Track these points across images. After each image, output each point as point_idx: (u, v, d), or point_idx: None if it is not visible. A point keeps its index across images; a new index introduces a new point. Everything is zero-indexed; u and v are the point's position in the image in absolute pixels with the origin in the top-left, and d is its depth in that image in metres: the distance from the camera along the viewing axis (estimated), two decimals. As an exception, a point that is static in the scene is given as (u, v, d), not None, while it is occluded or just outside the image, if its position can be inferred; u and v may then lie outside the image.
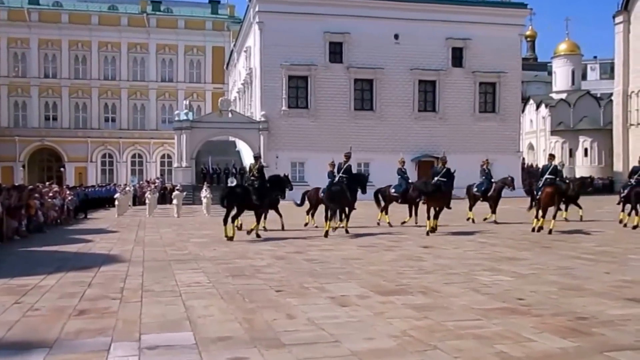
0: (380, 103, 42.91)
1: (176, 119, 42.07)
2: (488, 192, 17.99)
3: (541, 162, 51.83)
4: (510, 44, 44.53)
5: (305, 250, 11.12)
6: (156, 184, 40.61)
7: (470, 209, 18.39)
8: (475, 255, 10.23)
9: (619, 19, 51.10)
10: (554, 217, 14.18)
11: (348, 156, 14.91)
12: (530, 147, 62.69)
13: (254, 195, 13.53)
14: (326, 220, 14.16)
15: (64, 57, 56.65)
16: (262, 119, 40.72)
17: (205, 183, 31.08)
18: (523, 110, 56.92)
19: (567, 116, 58.62)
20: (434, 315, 5.44)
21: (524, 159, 52.36)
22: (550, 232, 13.57)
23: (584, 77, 66.28)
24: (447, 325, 5.06)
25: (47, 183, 25.03)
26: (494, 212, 17.74)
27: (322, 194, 15.21)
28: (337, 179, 14.47)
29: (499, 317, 5.36)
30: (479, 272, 8.11)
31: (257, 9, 41.48)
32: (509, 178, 18.47)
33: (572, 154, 57.27)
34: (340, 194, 14.37)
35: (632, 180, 15.57)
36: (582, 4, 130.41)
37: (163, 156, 57.75)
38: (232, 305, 6.04)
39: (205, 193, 26.45)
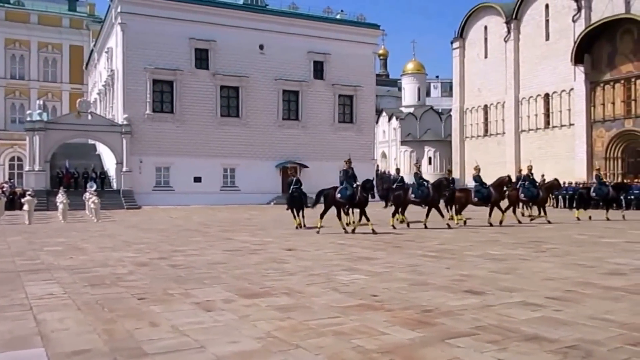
0: (246, 110, 43.16)
1: (28, 119, 39.03)
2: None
3: (393, 169, 55.93)
4: (365, 61, 47.43)
5: (170, 256, 10.90)
6: (4, 188, 37.27)
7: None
8: (335, 256, 10.68)
9: (455, 44, 56.70)
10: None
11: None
12: (384, 155, 66.94)
13: (339, 193, 15.85)
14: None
15: None
16: (125, 122, 39.12)
17: (61, 187, 29.25)
18: (377, 122, 60.96)
19: (414, 128, 63.65)
20: (296, 315, 5.61)
21: (377, 166, 55.57)
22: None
23: (428, 94, 72.52)
24: (309, 324, 5.25)
25: None
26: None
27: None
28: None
29: (356, 313, 5.67)
30: (338, 272, 8.49)
31: (119, 10, 39.85)
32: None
33: (418, 162, 61.89)
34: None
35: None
36: (426, 29, 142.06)
37: (12, 158, 53.27)
38: (90, 316, 5.76)
39: (61, 198, 24.81)
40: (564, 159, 43.95)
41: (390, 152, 66.42)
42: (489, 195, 18.29)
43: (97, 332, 5.12)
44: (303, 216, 18.22)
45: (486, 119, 53.87)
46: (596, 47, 43.03)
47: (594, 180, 22.65)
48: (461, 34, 56.24)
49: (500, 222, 18.20)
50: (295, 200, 18.12)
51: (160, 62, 40.15)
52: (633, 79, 41.17)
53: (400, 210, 18.10)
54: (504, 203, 19.61)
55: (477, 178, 18.97)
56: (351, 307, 6.00)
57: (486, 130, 53.84)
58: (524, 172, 21.01)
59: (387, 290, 6.93)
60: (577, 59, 43.11)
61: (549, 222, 19.30)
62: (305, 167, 42.83)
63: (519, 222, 18.43)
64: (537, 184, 20.57)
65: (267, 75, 43.57)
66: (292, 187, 18.51)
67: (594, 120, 43.70)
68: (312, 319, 5.46)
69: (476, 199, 18.53)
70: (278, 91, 44.30)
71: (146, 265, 9.73)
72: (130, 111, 39.41)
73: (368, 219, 15.49)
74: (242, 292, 6.98)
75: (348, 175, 15.99)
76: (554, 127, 47.12)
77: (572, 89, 45.09)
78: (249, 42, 42.76)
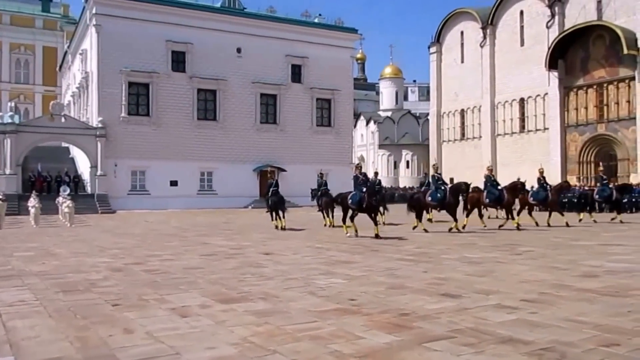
0: (224, 114, 42.94)
1: (-1, 121, 38.33)
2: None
3: (371, 172, 56.20)
4: (343, 65, 47.66)
5: (145, 261, 10.78)
6: (-26, 193, 36.51)
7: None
8: (312, 260, 10.68)
9: (432, 49, 57.31)
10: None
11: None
12: (362, 159, 67.20)
13: (350, 199, 15.57)
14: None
15: None
16: (100, 125, 38.61)
17: (34, 191, 28.71)
18: (355, 126, 61.19)
19: (392, 132, 64.10)
20: (273, 320, 5.58)
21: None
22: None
23: (405, 98, 73.32)
24: (286, 329, 5.23)
25: None
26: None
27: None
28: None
29: (333, 317, 5.67)
30: (315, 276, 8.47)
31: (94, 11, 39.37)
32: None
33: (396, 165, 62.38)
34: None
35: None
36: (404, 34, 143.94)
37: (-17, 162, 52.12)
38: (62, 323, 5.65)
39: (33, 202, 24.33)
40: (539, 162, 44.57)
41: (368, 155, 66.77)
42: (501, 197, 17.62)
43: (70, 339, 5.02)
44: (283, 217, 19.06)
45: (463, 123, 54.49)
46: (570, 52, 43.82)
47: (597, 182, 22.58)
48: (438, 39, 56.86)
49: (518, 227, 17.31)
50: (277, 203, 19.12)
51: (136, 64, 39.74)
52: (605, 84, 42.00)
53: (418, 214, 17.39)
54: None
55: (487, 178, 18.22)
56: (328, 311, 5.99)
57: (463, 134, 54.44)
58: (537, 174, 20.45)
59: (365, 294, 6.93)
60: (551, 64, 43.85)
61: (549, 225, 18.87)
62: (283, 170, 42.77)
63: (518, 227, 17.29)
64: (548, 187, 20.01)
65: (245, 79, 43.43)
66: (271, 189, 19.52)
67: (567, 124, 44.47)
68: (289, 324, 5.44)
69: (487, 200, 17.93)
70: (256, 94, 44.17)
71: (121, 270, 9.60)
72: (105, 114, 38.92)
73: (376, 224, 15.17)
74: (219, 297, 6.93)
75: (358, 181, 15.52)
76: (529, 131, 47.83)
77: (546, 94, 45.83)
78: (226, 45, 42.60)
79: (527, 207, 20.25)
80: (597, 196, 21.66)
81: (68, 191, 28.77)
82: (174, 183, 40.69)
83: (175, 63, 41.47)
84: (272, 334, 5.08)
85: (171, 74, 41.13)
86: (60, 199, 27.09)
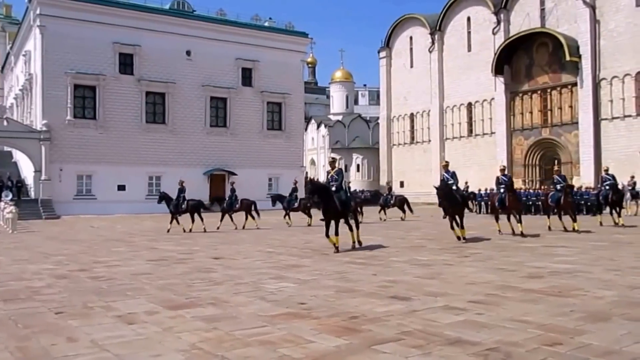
0: (173, 117, 42.34)
1: None
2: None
3: (322, 176, 56.55)
4: (293, 68, 47.82)
5: (91, 268, 10.49)
6: None
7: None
8: (263, 264, 10.63)
9: (382, 54, 58.03)
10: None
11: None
12: (312, 162, 67.53)
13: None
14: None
15: None
16: (44, 129, 37.41)
17: (-28, 198, 27.63)
18: (306, 129, 61.40)
19: (342, 136, 64.69)
20: (222, 326, 5.53)
21: (306, 173, 56.02)
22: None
23: (356, 102, 74.08)
24: (235, 335, 5.19)
25: None
26: None
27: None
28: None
29: (283, 322, 5.65)
30: (265, 281, 8.44)
31: (38, 12, 38.16)
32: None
33: (347, 169, 62.91)
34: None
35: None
36: (354, 38, 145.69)
37: None
38: (2, 333, 5.47)
39: (-29, 210, 23.41)
40: (487, 166, 45.63)
41: (319, 159, 67.05)
42: (503, 200, 15.89)
43: (10, 349, 4.87)
44: (195, 220, 21.45)
45: (412, 127, 55.29)
46: (515, 58, 45.11)
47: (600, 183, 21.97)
48: (387, 44, 57.54)
49: (521, 233, 15.53)
50: (197, 206, 21.75)
51: (82, 66, 38.72)
52: (549, 90, 43.40)
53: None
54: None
55: (496, 180, 16.52)
56: (278, 315, 5.98)
57: (412, 138, 55.26)
58: (555, 175, 18.95)
59: (315, 298, 6.95)
60: (497, 70, 45.02)
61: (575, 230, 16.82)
62: (234, 174, 42.44)
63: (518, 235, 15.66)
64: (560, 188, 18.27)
65: (195, 82, 42.95)
66: (182, 194, 21.90)
67: (513, 128, 45.74)
68: (239, 329, 5.40)
69: (497, 204, 16.20)
70: (206, 98, 43.73)
71: (65, 277, 9.32)
72: (50, 117, 37.75)
73: (350, 229, 13.04)
74: (167, 303, 6.82)
75: (328, 177, 13.26)
76: (476, 135, 48.96)
77: (493, 99, 47.01)
78: (175, 48, 42.02)
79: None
80: (601, 198, 21.44)
81: (10, 196, 27.87)
82: (121, 187, 39.81)
83: (123, 66, 40.62)
84: (221, 340, 5.03)
85: (119, 77, 40.28)
86: (2, 205, 26.12)
